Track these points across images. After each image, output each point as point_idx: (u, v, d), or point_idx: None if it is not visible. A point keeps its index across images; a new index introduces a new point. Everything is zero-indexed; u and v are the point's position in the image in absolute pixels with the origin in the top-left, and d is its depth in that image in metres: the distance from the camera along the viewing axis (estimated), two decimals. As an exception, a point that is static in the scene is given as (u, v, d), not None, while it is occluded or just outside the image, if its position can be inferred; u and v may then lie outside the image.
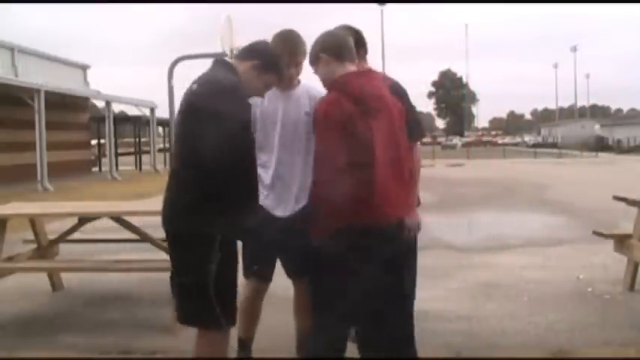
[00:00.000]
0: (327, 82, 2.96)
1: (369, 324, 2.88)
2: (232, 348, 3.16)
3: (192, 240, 2.69)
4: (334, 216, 2.69)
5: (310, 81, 3.32)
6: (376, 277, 2.72)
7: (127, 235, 5.16)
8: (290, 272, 3.49)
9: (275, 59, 2.91)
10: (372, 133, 2.72)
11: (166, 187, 2.83)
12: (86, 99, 29.47)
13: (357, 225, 2.69)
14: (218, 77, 2.78)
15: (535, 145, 64.74)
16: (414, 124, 3.13)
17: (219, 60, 2.94)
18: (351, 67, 2.91)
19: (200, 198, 2.64)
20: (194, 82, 2.81)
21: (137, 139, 35.58)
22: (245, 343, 3.51)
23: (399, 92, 3.09)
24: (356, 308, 2.78)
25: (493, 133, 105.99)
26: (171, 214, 2.76)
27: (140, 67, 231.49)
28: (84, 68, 30.59)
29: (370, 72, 3.02)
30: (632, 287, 5.17)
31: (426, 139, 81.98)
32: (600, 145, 54.68)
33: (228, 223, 2.67)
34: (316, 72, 3.00)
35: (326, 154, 2.71)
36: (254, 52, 2.90)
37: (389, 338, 2.89)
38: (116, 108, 30.04)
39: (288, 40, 3.23)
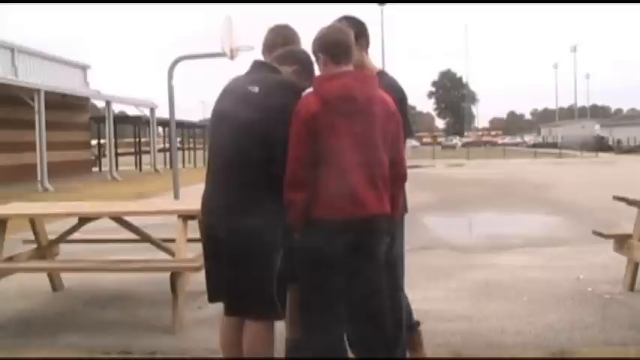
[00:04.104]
0: None
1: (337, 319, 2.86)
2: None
3: (262, 235, 2.81)
4: (294, 208, 2.78)
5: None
6: (335, 270, 2.77)
7: (127, 235, 5.17)
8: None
9: (312, 67, 3.02)
10: (339, 134, 2.75)
11: (218, 186, 2.93)
12: (86, 99, 29.47)
13: (316, 218, 2.76)
14: (272, 77, 2.95)
15: (535, 145, 64.72)
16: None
17: (259, 62, 3.07)
18: (347, 68, 2.88)
19: (271, 193, 2.79)
20: (248, 85, 2.90)
21: (137, 139, 35.58)
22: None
23: (393, 94, 3.03)
24: (328, 303, 2.81)
25: (493, 133, 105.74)
26: (236, 211, 2.83)
27: (140, 67, 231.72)
28: (84, 68, 30.62)
29: (355, 74, 2.91)
30: (632, 287, 5.16)
31: (426, 139, 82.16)
32: (600, 145, 54.52)
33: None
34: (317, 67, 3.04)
35: (292, 148, 2.77)
36: (296, 59, 3.07)
37: (361, 335, 2.90)
38: (116, 108, 30.11)
39: (284, 35, 3.24)
